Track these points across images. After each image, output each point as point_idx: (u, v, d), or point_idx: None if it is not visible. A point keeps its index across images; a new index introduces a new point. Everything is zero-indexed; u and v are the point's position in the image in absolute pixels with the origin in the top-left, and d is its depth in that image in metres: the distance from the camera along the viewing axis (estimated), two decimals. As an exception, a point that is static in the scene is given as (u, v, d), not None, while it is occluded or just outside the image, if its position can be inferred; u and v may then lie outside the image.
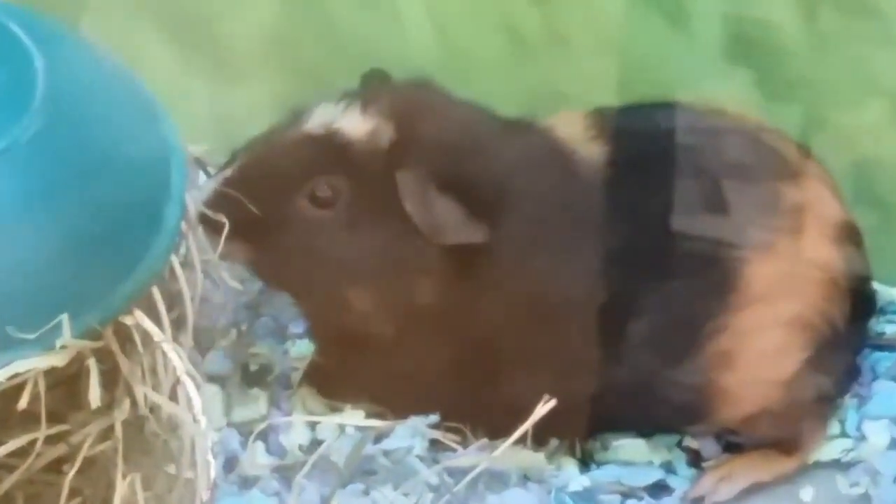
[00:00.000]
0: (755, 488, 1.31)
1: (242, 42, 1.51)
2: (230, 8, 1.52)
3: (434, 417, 1.22)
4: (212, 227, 1.18)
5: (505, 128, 1.26)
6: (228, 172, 1.20)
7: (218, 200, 1.18)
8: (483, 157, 1.23)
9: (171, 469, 1.17)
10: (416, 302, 1.22)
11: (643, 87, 1.38)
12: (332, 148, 1.20)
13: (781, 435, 1.30)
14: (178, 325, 1.16)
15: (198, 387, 1.13)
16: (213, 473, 1.12)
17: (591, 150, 1.26)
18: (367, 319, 1.23)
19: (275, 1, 1.49)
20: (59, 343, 1.08)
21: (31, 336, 1.07)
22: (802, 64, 1.40)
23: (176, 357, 1.12)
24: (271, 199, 1.20)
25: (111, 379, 1.15)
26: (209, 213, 1.17)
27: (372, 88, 1.24)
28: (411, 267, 1.22)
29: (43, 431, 1.11)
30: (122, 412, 1.16)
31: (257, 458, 1.26)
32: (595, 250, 1.26)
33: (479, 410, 1.25)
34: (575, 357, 1.26)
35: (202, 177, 1.29)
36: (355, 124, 1.20)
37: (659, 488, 1.32)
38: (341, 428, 1.25)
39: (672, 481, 1.31)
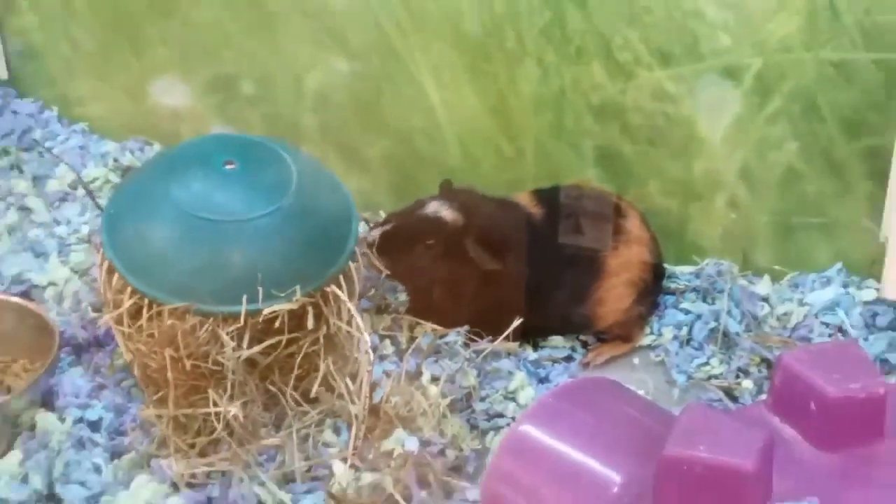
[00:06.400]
0: (612, 359, 1.79)
1: (315, 133, 1.95)
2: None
3: (466, 327, 1.70)
4: (372, 252, 1.65)
5: (503, 204, 1.74)
6: (386, 228, 1.69)
7: (380, 241, 1.68)
8: (497, 227, 1.68)
9: (348, 354, 1.60)
10: (465, 292, 1.68)
11: (553, 178, 1.86)
12: (437, 224, 1.67)
13: (624, 332, 1.79)
14: (351, 291, 1.59)
15: (360, 319, 1.57)
16: (372, 358, 1.58)
17: (536, 210, 1.75)
18: (440, 297, 1.70)
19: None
20: (294, 298, 1.52)
21: (282, 294, 1.52)
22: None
23: (350, 306, 1.57)
24: (406, 242, 1.68)
25: (318, 315, 1.56)
26: (370, 252, 1.66)
27: (450, 192, 1.73)
28: (464, 277, 1.68)
29: (285, 337, 1.54)
30: (323, 330, 1.58)
31: (388, 349, 1.75)
32: (542, 256, 1.72)
33: (491, 325, 1.68)
34: (533, 303, 1.72)
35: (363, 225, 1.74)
36: (447, 213, 1.68)
37: (569, 359, 1.79)
38: (425, 331, 1.74)
39: (575, 355, 1.80)
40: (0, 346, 1.71)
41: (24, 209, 2.06)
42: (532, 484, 1.28)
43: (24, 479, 1.50)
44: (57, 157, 1.89)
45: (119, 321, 1.53)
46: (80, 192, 2.06)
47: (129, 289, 1.53)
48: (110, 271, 1.55)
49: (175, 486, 1.52)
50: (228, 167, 1.55)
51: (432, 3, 1.79)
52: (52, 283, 1.86)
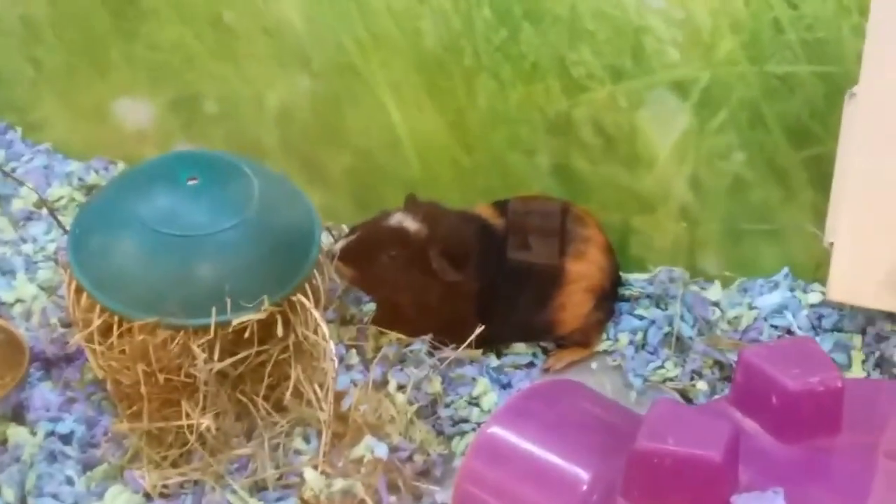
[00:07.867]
0: (572, 364, 1.78)
1: (278, 150, 1.94)
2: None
3: (430, 336, 1.68)
4: (337, 261, 1.63)
5: (465, 217, 1.73)
6: (351, 238, 1.66)
7: (345, 251, 1.65)
8: (460, 239, 1.68)
9: (316, 364, 1.59)
10: (429, 302, 1.68)
11: (509, 190, 1.86)
12: (401, 235, 1.66)
13: (582, 339, 1.79)
14: (317, 300, 1.58)
15: (325, 326, 1.55)
16: (335, 365, 1.57)
17: (498, 222, 1.75)
18: (405, 307, 1.69)
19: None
20: (262, 308, 1.51)
21: (250, 305, 1.51)
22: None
23: (316, 314, 1.56)
24: (370, 252, 1.65)
25: (286, 323, 1.56)
26: (336, 259, 1.64)
27: (414, 205, 1.70)
28: (428, 288, 1.67)
29: (255, 348, 1.54)
30: (291, 339, 1.57)
31: (354, 359, 1.72)
32: (504, 265, 1.72)
33: (455, 334, 1.66)
34: (497, 311, 1.72)
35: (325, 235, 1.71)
36: (411, 225, 1.67)
37: (530, 365, 1.79)
38: (390, 340, 1.71)
39: (536, 361, 1.79)
40: (-30, 362, 1.66)
41: (-10, 228, 2.04)
42: (502, 484, 1.27)
43: (-3, 493, 1.51)
44: (18, 179, 1.90)
45: (89, 340, 1.51)
46: (45, 211, 2.04)
47: (97, 307, 1.50)
48: (78, 291, 1.52)
49: (148, 496, 1.52)
50: (191, 183, 1.53)
51: (392, 21, 1.82)
52: (19, 300, 1.85)
